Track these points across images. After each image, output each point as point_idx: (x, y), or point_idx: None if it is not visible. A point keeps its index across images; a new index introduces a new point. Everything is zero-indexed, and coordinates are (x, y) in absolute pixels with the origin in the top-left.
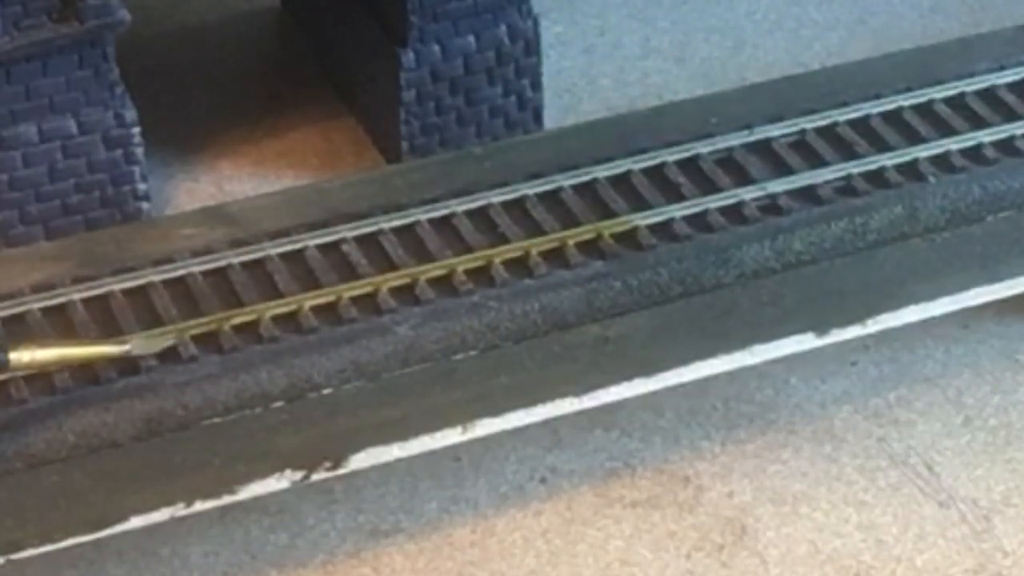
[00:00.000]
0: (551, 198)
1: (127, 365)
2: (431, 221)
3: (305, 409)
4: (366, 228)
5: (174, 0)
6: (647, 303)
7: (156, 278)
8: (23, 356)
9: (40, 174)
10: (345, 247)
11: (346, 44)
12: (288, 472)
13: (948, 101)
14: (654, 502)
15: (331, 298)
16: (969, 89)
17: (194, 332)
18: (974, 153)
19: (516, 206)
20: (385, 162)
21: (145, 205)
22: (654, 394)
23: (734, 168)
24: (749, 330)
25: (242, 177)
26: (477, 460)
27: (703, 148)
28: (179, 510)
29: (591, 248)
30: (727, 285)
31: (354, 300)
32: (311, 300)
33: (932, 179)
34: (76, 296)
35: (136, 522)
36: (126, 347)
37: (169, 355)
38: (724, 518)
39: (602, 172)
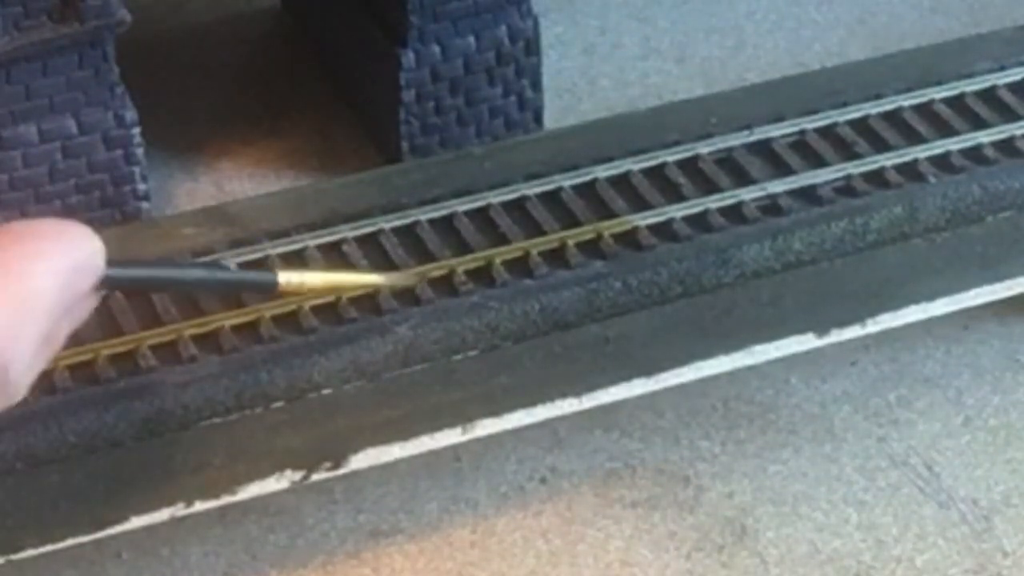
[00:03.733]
0: (551, 198)
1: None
2: (431, 221)
3: (305, 409)
4: (366, 228)
5: (174, 0)
6: (647, 303)
7: None
8: (292, 278)
9: (40, 174)
10: (345, 247)
11: (346, 44)
12: (288, 472)
13: (948, 101)
14: (654, 502)
15: (331, 298)
16: (969, 89)
17: (194, 332)
18: (974, 153)
19: (516, 206)
20: (385, 162)
21: (145, 205)
22: (654, 394)
23: (734, 168)
24: (749, 330)
25: (242, 177)
26: (477, 460)
27: (703, 148)
28: (179, 510)
29: (591, 248)
30: (727, 285)
31: (354, 300)
32: (311, 300)
33: (932, 179)
34: None
35: (136, 522)
36: (380, 279)
37: (169, 355)
38: (724, 518)
39: (602, 172)
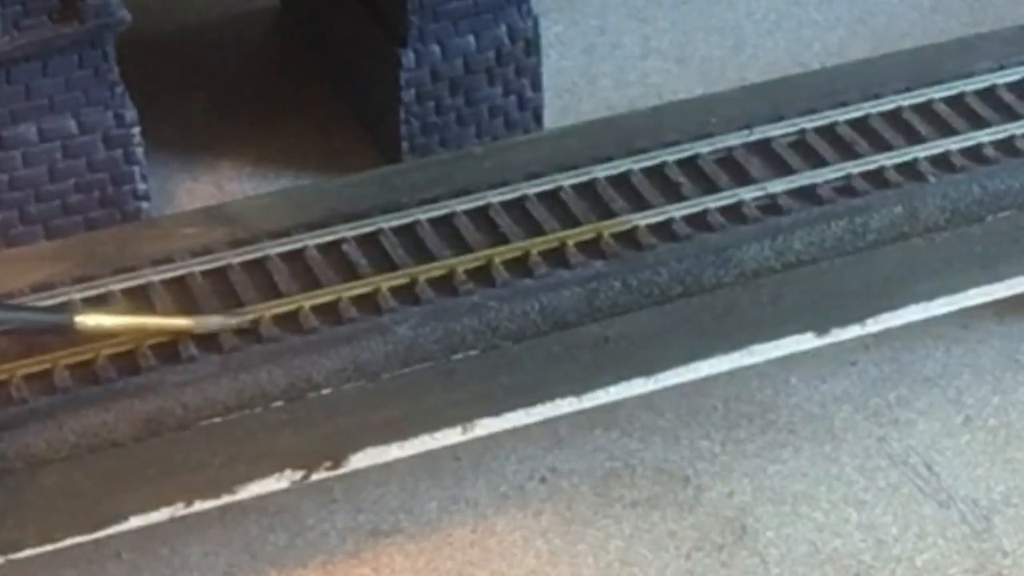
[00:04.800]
0: (551, 198)
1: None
2: (431, 221)
3: (305, 409)
4: (366, 228)
5: (174, 0)
6: (647, 303)
7: (156, 278)
8: (88, 320)
9: (40, 174)
10: (345, 247)
11: (346, 44)
12: (288, 472)
13: (948, 101)
14: (654, 502)
15: (331, 298)
16: (969, 89)
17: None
18: (974, 153)
19: (516, 206)
20: (385, 162)
21: (145, 205)
22: (654, 394)
23: (734, 168)
24: (749, 330)
25: (242, 177)
26: (477, 460)
27: (703, 148)
28: (179, 510)
29: (591, 248)
30: (727, 285)
31: (354, 300)
32: (311, 300)
33: (932, 179)
34: (76, 296)
35: (136, 522)
36: (189, 323)
37: (169, 355)
38: (724, 518)
39: (602, 172)
